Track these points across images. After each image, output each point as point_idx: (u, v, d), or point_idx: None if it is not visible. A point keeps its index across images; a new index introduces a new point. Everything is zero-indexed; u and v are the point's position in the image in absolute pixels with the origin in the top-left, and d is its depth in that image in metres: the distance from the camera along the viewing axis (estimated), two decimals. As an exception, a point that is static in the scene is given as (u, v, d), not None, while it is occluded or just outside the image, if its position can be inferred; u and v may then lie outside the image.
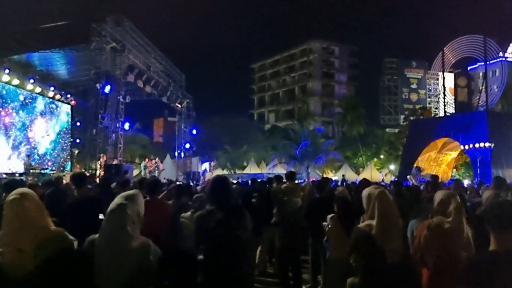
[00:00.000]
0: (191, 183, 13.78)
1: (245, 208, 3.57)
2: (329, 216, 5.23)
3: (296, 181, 19.90)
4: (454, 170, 37.09)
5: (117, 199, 2.74)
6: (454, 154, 34.70)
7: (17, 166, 20.72)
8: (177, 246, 5.37)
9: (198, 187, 10.04)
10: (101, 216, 4.06)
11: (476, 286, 2.25)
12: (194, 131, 31.08)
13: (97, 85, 18.78)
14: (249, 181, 11.58)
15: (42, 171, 20.26)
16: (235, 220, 3.27)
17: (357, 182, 13.49)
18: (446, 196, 3.47)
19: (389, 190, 7.11)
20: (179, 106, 29.41)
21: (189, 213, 5.32)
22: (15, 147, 22.13)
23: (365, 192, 3.59)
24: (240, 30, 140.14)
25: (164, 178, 17.42)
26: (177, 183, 9.41)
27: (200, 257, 3.25)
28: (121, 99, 20.44)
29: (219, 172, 37.59)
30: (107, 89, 18.89)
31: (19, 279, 2.36)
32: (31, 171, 18.79)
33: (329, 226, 5.11)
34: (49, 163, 24.75)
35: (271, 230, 7.20)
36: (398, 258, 3.27)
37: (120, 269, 2.54)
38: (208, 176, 32.06)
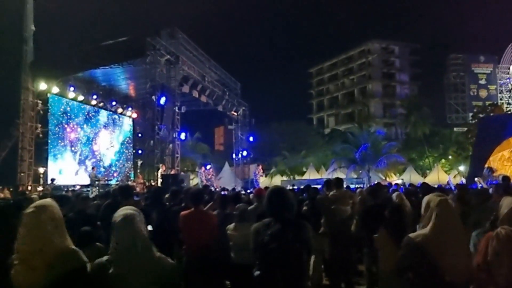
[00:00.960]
0: (243, 192, 13.61)
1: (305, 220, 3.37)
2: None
3: (357, 186, 19.20)
4: (532, 170, 34.32)
5: (123, 210, 2.60)
6: (530, 152, 32.17)
7: (84, 180, 21.61)
8: (224, 259, 5.23)
9: (251, 195, 9.84)
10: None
11: None
12: (251, 138, 31.16)
13: (153, 97, 19.33)
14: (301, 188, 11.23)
15: (107, 182, 21.07)
16: (292, 233, 3.05)
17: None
18: None
19: (455, 194, 6.51)
20: (235, 114, 29.69)
21: (233, 224, 5.18)
22: (81, 162, 23.15)
23: (425, 199, 3.18)
24: (296, 35, 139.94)
25: (220, 186, 17.54)
26: (222, 192, 9.24)
27: (257, 272, 3.10)
28: (177, 110, 20.90)
29: (277, 178, 37.38)
30: (163, 100, 19.39)
31: None
32: (96, 182, 19.61)
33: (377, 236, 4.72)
34: (115, 174, 25.82)
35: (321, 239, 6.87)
36: (462, 276, 2.84)
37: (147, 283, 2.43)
38: (262, 181, 31.92)
